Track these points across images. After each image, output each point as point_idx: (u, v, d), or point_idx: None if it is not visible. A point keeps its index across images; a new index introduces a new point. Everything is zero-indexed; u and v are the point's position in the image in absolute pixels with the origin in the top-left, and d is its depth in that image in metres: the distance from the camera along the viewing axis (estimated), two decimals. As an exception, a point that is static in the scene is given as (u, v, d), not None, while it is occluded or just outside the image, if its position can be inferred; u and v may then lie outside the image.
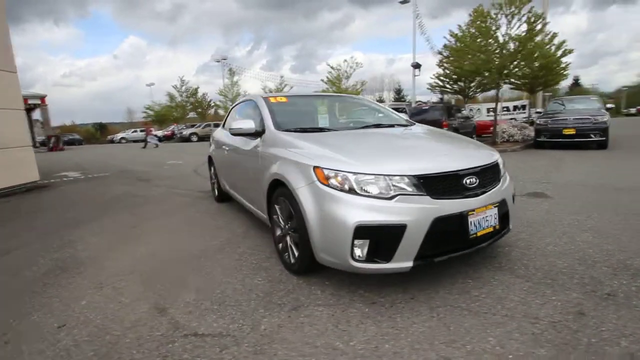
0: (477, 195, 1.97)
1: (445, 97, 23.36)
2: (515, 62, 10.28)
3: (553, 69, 12.14)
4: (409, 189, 1.83)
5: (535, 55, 10.25)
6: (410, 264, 1.83)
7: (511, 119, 17.03)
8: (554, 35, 10.65)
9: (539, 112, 11.76)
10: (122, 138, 34.42)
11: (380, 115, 3.35)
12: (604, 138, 8.58)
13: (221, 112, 38.07)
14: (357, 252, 1.83)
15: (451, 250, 1.93)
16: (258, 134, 2.80)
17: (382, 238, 1.80)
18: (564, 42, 11.20)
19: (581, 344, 1.49)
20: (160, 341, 1.69)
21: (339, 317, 1.80)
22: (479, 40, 10.52)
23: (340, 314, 1.83)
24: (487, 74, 10.62)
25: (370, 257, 1.83)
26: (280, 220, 2.42)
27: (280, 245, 2.49)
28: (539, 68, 11.79)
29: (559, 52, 11.41)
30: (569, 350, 1.45)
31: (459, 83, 14.93)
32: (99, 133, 48.42)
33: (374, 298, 1.97)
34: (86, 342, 1.72)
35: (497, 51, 10.27)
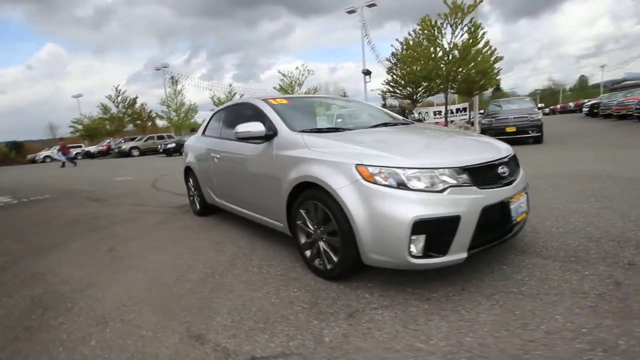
0: (510, 183, 2.07)
1: (388, 102, 24.66)
2: (460, 68, 11.27)
3: (488, 73, 13.53)
4: (458, 180, 1.85)
5: (478, 60, 11.36)
6: (464, 254, 1.84)
7: (451, 121, 18.55)
8: (488, 44, 11.89)
9: (482, 113, 12.99)
10: (47, 156, 30.40)
11: (381, 115, 3.38)
12: (539, 134, 9.73)
13: (161, 123, 35.73)
14: (413, 248, 1.79)
15: (496, 237, 1.99)
16: (268, 137, 2.63)
17: (438, 231, 1.78)
18: (495, 49, 12.59)
19: (634, 309, 1.62)
20: (218, 373, 1.46)
21: (403, 318, 1.74)
22: (427, 47, 11.35)
23: (403, 315, 1.77)
24: (438, 80, 11.50)
25: (426, 252, 1.80)
26: (309, 225, 2.28)
27: (309, 252, 2.35)
28: (476, 73, 13.08)
29: (492, 59, 12.75)
30: (629, 317, 1.57)
31: (407, 88, 15.95)
32: (15, 153, 42.21)
33: (426, 294, 1.94)
34: (123, 388, 1.43)
35: (444, 58, 11.18)
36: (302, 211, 2.32)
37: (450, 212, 1.77)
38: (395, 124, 3.07)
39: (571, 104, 41.03)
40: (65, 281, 2.64)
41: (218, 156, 3.47)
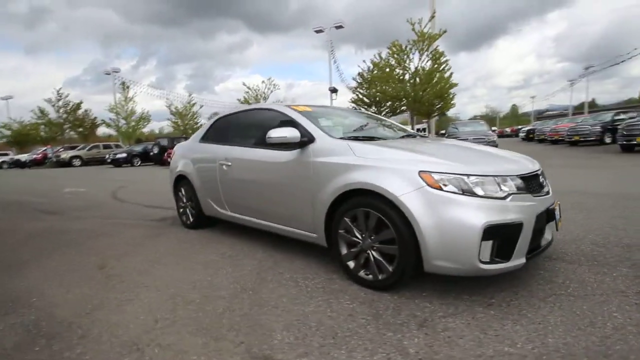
0: (548, 193, 2.22)
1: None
2: (425, 91, 12.12)
3: (445, 97, 14.70)
4: (517, 188, 1.93)
5: (440, 85, 12.31)
6: (524, 260, 1.91)
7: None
8: (449, 70, 12.98)
9: (443, 134, 13.98)
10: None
11: (397, 127, 3.45)
12: (496, 153, 10.69)
13: (104, 131, 32.95)
14: (482, 254, 1.81)
15: (542, 243, 2.10)
16: (303, 143, 2.55)
17: (504, 237, 1.83)
18: (451, 74, 13.78)
19: (676, 304, 1.80)
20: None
21: (477, 324, 1.73)
22: (395, 69, 12.07)
23: (474, 321, 1.76)
24: (404, 100, 12.20)
25: (492, 258, 1.84)
26: (356, 234, 2.21)
27: (353, 263, 2.27)
28: (435, 96, 14.14)
29: (447, 84, 13.90)
30: (677, 311, 1.73)
31: (372, 107, 16.68)
32: None
33: (485, 300, 1.97)
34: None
35: (411, 80, 11.96)
36: (346, 219, 2.24)
37: (515, 218, 1.83)
38: (420, 136, 3.16)
39: (507, 129, 45.99)
40: (59, 304, 2.24)
41: (228, 164, 3.25)
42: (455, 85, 13.98)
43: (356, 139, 2.55)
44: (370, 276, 2.17)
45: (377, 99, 17.78)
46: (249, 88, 22.04)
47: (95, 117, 31.43)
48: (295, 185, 2.59)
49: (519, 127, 36.10)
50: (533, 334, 1.62)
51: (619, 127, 10.89)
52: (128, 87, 27.55)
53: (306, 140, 2.54)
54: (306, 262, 2.74)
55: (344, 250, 2.31)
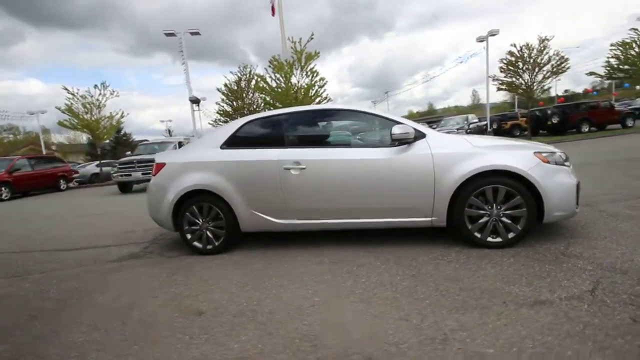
0: None
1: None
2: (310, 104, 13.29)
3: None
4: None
5: (316, 100, 13.75)
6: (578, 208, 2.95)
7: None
8: (323, 87, 14.58)
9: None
10: None
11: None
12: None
13: None
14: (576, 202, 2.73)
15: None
16: (415, 139, 2.84)
17: (578, 191, 2.81)
18: (325, 89, 15.56)
19: None
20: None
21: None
22: (281, 85, 12.66)
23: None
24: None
25: (577, 204, 2.78)
26: (484, 207, 2.72)
27: (479, 234, 2.76)
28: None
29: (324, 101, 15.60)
30: None
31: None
32: None
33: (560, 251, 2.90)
34: None
35: (292, 94, 12.82)
36: (473, 197, 2.73)
37: (577, 179, 2.85)
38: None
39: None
40: None
41: (301, 167, 3.03)
42: (330, 99, 15.90)
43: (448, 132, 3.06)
44: (499, 238, 2.74)
45: (246, 112, 17.86)
46: (73, 95, 17.22)
47: None
48: (410, 177, 2.83)
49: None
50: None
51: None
52: None
53: (417, 136, 2.85)
54: (446, 246, 2.99)
55: (469, 226, 2.78)
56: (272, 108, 13.91)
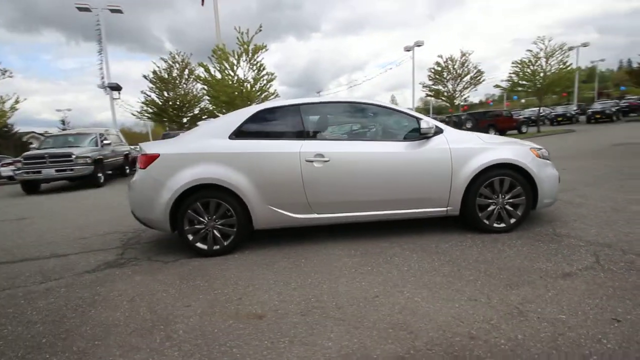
0: None
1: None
2: (254, 96, 12.75)
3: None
4: None
5: (264, 94, 13.31)
6: (553, 193, 3.51)
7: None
8: (271, 81, 14.15)
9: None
10: None
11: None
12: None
13: None
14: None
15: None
16: (435, 133, 3.03)
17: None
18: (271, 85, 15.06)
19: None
20: None
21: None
22: (229, 76, 11.93)
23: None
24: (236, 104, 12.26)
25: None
26: (492, 196, 3.05)
27: (487, 221, 3.08)
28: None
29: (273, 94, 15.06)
30: None
31: (168, 112, 15.32)
32: None
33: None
34: None
35: (238, 87, 12.19)
36: (485, 189, 3.04)
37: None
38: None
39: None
40: None
41: (325, 160, 2.96)
42: (278, 96, 15.42)
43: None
44: (503, 224, 3.10)
45: (179, 103, 16.41)
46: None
47: None
48: (430, 170, 3.01)
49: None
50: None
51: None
52: None
53: (437, 131, 3.05)
54: (452, 231, 3.19)
55: (479, 214, 3.09)
56: (215, 100, 13.06)
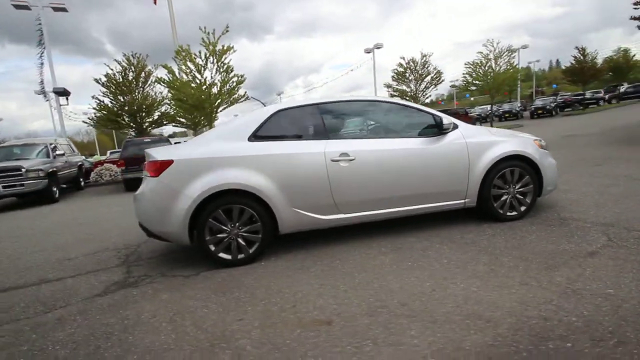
0: None
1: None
2: (220, 101, 12.23)
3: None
4: None
5: (232, 98, 12.83)
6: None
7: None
8: (240, 84, 13.56)
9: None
10: None
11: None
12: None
13: None
14: (556, 178, 3.54)
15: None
16: (454, 128, 3.15)
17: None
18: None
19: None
20: None
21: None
22: (195, 78, 11.33)
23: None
24: (204, 108, 11.69)
25: (554, 181, 3.60)
26: (504, 187, 3.24)
27: (501, 210, 3.26)
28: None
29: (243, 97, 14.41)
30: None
31: (124, 117, 14.32)
32: None
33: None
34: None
35: (206, 90, 11.65)
36: (498, 181, 3.22)
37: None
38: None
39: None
40: None
41: (351, 158, 2.94)
42: (247, 99, 14.89)
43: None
44: (515, 212, 3.30)
45: (136, 107, 15.31)
46: None
47: None
48: (450, 164, 3.12)
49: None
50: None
51: None
52: None
53: (454, 126, 3.17)
54: (476, 223, 3.30)
55: (494, 203, 3.25)
56: (179, 104, 12.35)
